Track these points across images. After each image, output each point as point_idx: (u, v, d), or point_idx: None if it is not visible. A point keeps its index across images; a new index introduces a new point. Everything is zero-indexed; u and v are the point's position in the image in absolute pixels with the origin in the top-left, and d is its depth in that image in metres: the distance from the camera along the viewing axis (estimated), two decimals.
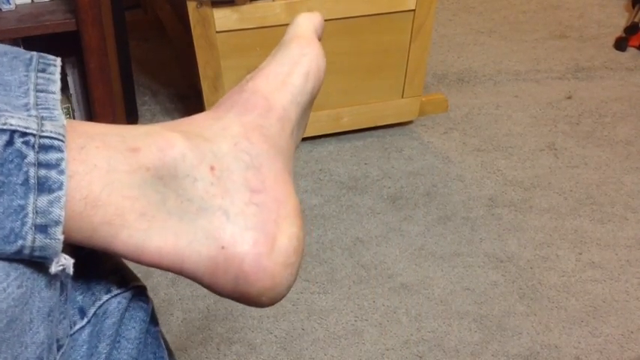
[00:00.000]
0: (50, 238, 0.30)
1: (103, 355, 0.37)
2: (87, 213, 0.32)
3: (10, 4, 1.28)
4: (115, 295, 0.38)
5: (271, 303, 0.38)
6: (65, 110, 1.36)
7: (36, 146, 0.30)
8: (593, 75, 1.85)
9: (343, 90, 1.49)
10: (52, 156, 0.31)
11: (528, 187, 1.40)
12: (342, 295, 1.12)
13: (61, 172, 0.31)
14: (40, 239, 0.30)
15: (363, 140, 1.54)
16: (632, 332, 1.06)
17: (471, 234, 1.26)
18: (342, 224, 1.28)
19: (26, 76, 0.34)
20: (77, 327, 0.37)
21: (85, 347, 0.37)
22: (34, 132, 0.30)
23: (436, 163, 1.46)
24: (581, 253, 1.22)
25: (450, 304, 1.11)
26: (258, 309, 1.08)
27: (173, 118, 1.60)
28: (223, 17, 1.32)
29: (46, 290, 0.32)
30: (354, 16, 1.40)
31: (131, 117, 1.55)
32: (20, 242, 0.30)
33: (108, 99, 1.32)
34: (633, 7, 2.16)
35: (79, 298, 0.37)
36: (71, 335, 0.36)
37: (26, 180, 0.30)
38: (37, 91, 0.34)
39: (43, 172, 0.30)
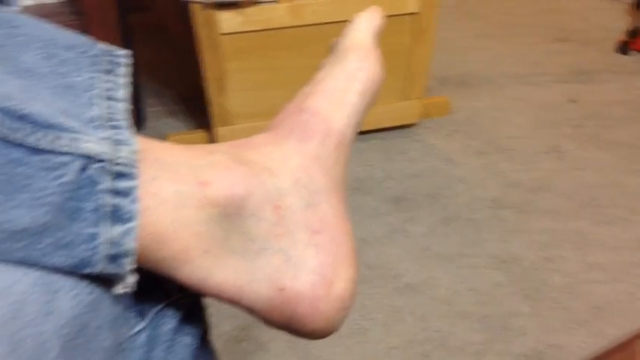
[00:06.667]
0: (120, 268, 0.30)
1: None
2: (152, 247, 0.32)
3: (15, 5, 1.28)
4: (176, 300, 0.38)
5: (321, 338, 0.38)
6: None
7: (110, 173, 0.29)
8: (595, 78, 1.85)
9: None
10: (125, 184, 0.30)
11: (531, 189, 1.40)
12: None
13: (133, 202, 0.30)
14: (110, 268, 0.30)
15: (366, 142, 1.55)
16: None
17: (475, 235, 1.26)
18: None
19: (92, 77, 0.33)
20: (136, 329, 0.36)
21: (141, 351, 0.36)
22: (109, 158, 0.29)
23: (439, 165, 1.47)
24: (584, 255, 1.23)
25: (455, 304, 1.11)
26: None
27: (178, 120, 1.61)
28: (228, 19, 1.33)
29: (114, 295, 0.32)
30: None
31: (137, 119, 1.56)
32: (89, 270, 0.29)
33: None
34: (635, 10, 2.17)
35: (140, 299, 0.37)
36: (129, 337, 0.36)
37: (98, 208, 0.29)
38: (105, 98, 0.33)
39: (115, 200, 0.30)
